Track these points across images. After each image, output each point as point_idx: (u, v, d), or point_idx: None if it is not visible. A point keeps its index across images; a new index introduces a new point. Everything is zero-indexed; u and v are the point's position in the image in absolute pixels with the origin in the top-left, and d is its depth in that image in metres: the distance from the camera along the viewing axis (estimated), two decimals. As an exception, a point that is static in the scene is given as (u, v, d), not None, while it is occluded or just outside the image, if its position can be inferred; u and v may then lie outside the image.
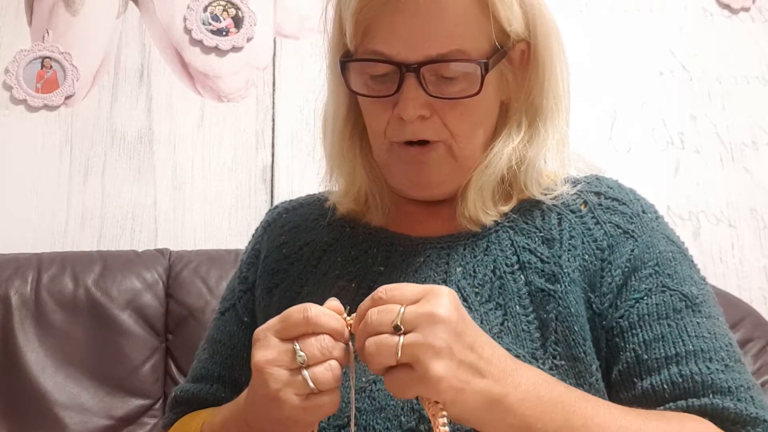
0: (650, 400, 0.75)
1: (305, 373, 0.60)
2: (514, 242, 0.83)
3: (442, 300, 0.61)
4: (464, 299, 0.80)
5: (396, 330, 0.59)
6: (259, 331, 0.64)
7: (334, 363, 0.61)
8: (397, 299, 0.61)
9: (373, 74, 0.80)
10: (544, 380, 0.66)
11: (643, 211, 0.86)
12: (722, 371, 0.74)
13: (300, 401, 0.61)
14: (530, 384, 0.64)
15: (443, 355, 0.59)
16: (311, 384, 0.60)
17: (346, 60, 0.82)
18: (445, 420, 0.60)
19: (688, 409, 0.73)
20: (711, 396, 0.73)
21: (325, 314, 0.62)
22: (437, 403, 0.61)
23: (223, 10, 1.91)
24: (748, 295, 1.79)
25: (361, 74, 0.81)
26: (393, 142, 0.82)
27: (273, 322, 0.64)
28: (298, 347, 0.61)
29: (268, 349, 0.62)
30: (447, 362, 0.59)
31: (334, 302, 0.65)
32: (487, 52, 0.79)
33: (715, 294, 1.57)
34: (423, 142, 0.82)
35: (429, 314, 0.60)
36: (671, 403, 0.74)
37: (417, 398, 0.65)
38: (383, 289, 0.62)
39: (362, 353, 0.62)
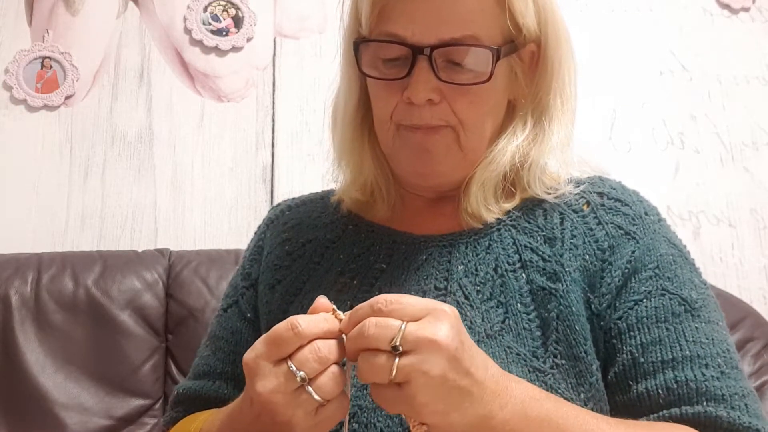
0: (644, 405, 0.75)
1: (309, 389, 0.59)
2: (516, 241, 0.83)
3: (444, 323, 0.59)
4: (466, 297, 0.80)
5: (394, 350, 0.57)
6: (250, 359, 0.62)
7: (335, 369, 0.60)
8: (397, 314, 0.59)
9: (386, 58, 0.81)
10: (532, 398, 0.65)
11: (646, 213, 0.86)
12: (717, 378, 0.74)
13: (311, 418, 0.60)
14: (518, 403, 0.63)
15: (434, 384, 0.58)
16: (318, 398, 0.59)
17: (360, 41, 0.82)
18: None
19: (681, 417, 0.73)
20: (705, 403, 0.73)
21: (314, 322, 0.60)
22: (423, 424, 0.60)
23: (223, 10, 1.91)
24: (748, 295, 1.79)
25: (374, 58, 0.82)
26: (400, 126, 0.83)
27: (260, 347, 0.61)
28: (294, 367, 0.59)
29: (266, 378, 0.60)
30: (437, 390, 0.58)
31: (322, 300, 0.63)
32: (500, 42, 0.80)
33: (715, 294, 1.56)
34: (430, 129, 0.82)
35: (429, 340, 0.58)
36: (665, 411, 0.74)
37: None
38: (384, 300, 0.60)
39: (352, 359, 0.60)
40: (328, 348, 0.60)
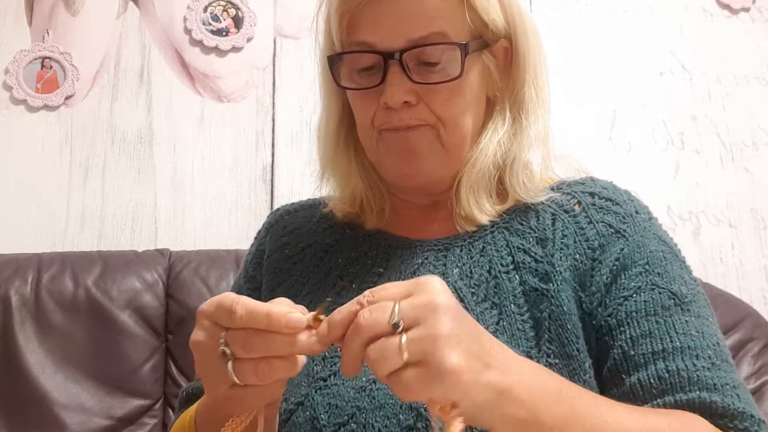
0: (637, 396, 0.75)
1: (229, 365, 0.58)
2: (509, 243, 0.84)
3: (435, 288, 0.56)
4: (461, 299, 0.80)
5: (395, 328, 0.54)
6: (199, 310, 0.61)
7: (261, 364, 0.57)
8: (386, 297, 0.56)
9: (359, 68, 0.83)
10: (541, 370, 0.64)
11: (636, 212, 0.86)
12: (708, 369, 0.74)
13: (225, 390, 0.59)
14: (531, 374, 0.62)
15: (453, 344, 0.54)
16: (234, 378, 0.58)
17: (333, 55, 0.84)
18: (462, 426, 0.54)
19: (676, 405, 0.72)
20: (697, 391, 0.73)
21: (254, 315, 0.57)
22: (453, 406, 0.55)
23: (223, 11, 1.91)
24: (748, 295, 1.80)
25: (349, 70, 0.84)
26: (382, 131, 0.84)
27: (210, 302, 0.60)
28: (223, 341, 0.58)
29: (201, 330, 0.60)
30: (458, 351, 0.54)
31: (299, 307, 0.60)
32: (467, 38, 0.82)
33: (715, 294, 1.57)
34: (410, 127, 0.83)
35: (427, 303, 0.55)
36: (659, 400, 0.74)
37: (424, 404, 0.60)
38: (368, 291, 0.57)
39: (353, 359, 0.57)
40: (261, 344, 0.57)
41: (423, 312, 0.55)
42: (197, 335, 0.61)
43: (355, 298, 0.58)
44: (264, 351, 0.57)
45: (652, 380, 0.75)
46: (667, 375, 0.74)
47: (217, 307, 0.59)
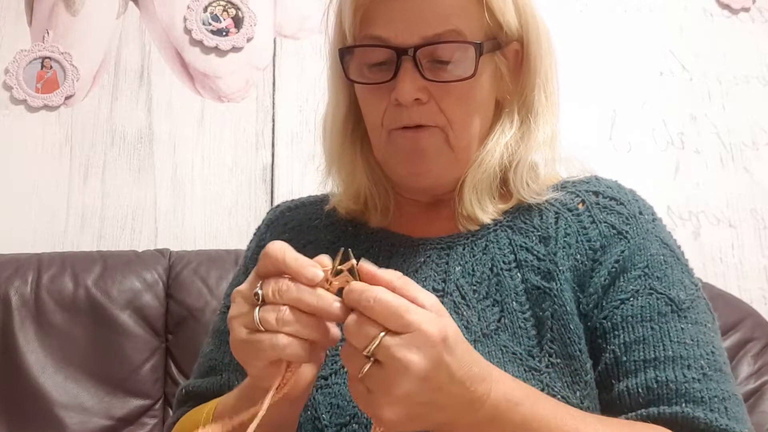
0: (624, 403, 0.75)
1: (256, 310, 0.60)
2: (512, 241, 0.84)
3: (426, 340, 0.57)
4: (462, 297, 0.81)
5: (366, 356, 0.57)
6: (235, 291, 0.64)
7: (284, 309, 0.59)
8: (382, 318, 0.57)
9: (371, 63, 0.82)
10: (508, 401, 0.63)
11: (640, 213, 0.86)
12: (698, 380, 0.74)
13: (245, 335, 0.60)
14: (492, 408, 0.62)
15: (395, 403, 0.58)
16: (256, 319, 0.59)
17: (345, 48, 0.83)
18: None
19: (659, 417, 0.73)
20: (683, 405, 0.73)
21: (295, 258, 0.60)
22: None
23: (223, 11, 1.91)
24: (748, 295, 1.79)
25: (360, 64, 0.83)
26: (391, 130, 0.83)
27: (245, 283, 0.63)
28: (259, 284, 0.61)
29: (247, 283, 0.63)
30: (398, 409, 0.58)
31: (323, 258, 0.62)
32: (482, 38, 0.81)
33: (715, 294, 1.56)
34: (420, 128, 0.82)
35: (403, 358, 0.56)
36: (643, 410, 0.74)
37: None
38: (380, 293, 0.58)
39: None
40: (289, 288, 0.60)
41: (394, 362, 0.57)
42: (243, 287, 0.63)
43: (368, 291, 0.59)
44: (291, 298, 0.59)
45: (640, 389, 0.75)
46: (655, 385, 0.74)
47: (262, 256, 0.61)
